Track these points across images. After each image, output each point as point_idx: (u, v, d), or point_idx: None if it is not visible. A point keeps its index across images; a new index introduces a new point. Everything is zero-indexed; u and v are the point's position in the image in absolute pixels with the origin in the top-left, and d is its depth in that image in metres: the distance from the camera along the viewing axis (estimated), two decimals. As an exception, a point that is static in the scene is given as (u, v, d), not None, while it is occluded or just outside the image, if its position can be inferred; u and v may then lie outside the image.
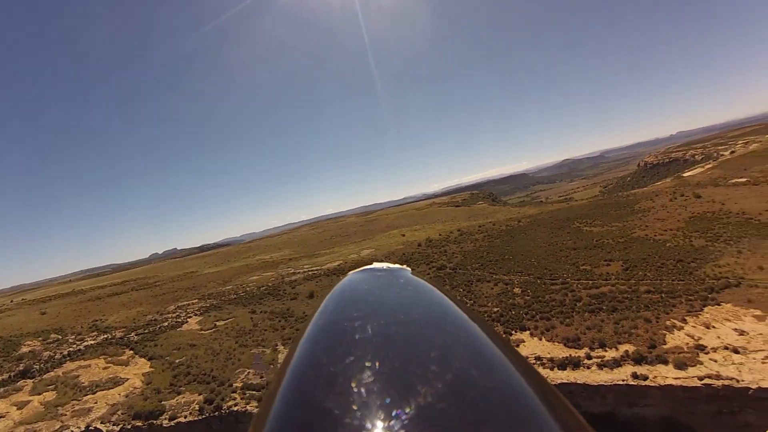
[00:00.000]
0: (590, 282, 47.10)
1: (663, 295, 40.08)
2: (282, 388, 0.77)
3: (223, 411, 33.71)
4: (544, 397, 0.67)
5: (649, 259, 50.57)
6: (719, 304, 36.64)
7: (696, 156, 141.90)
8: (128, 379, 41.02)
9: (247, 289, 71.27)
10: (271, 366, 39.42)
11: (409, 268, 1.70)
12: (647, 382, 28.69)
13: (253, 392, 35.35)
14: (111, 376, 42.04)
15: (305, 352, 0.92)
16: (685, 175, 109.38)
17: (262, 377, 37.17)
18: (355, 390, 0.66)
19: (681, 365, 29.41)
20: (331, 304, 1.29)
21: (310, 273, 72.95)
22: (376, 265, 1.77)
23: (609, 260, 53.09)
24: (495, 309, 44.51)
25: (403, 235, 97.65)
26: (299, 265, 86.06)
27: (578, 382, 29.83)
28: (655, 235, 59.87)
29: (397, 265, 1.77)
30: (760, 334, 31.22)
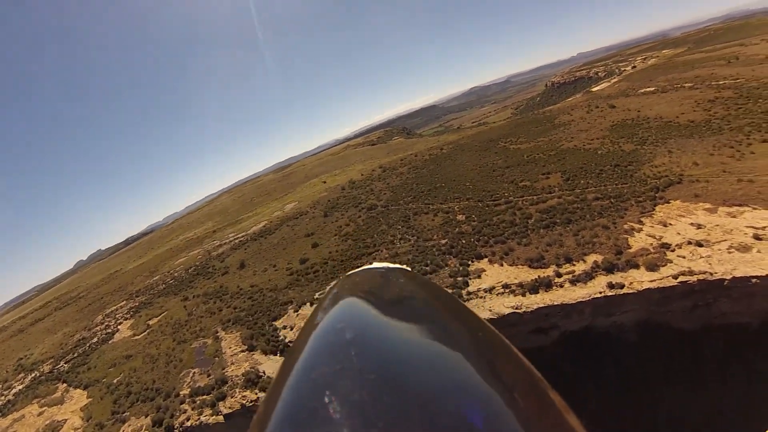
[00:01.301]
0: (535, 197, 46.41)
1: (612, 200, 40.45)
2: (276, 412, 0.84)
3: (176, 431, 29.61)
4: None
5: (586, 167, 51.44)
6: (668, 202, 37.69)
7: (599, 73, 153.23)
8: (66, 419, 36.61)
9: (176, 274, 69.14)
10: (216, 359, 35.59)
11: (408, 268, 1.81)
12: (624, 290, 28.08)
13: (204, 397, 31.43)
14: (48, 422, 37.35)
15: (299, 379, 0.97)
16: (594, 89, 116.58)
17: (209, 375, 33.68)
18: (348, 417, 0.74)
19: (653, 267, 29.21)
20: (327, 320, 1.32)
21: (236, 241, 71.40)
22: (376, 264, 1.90)
23: (547, 173, 53.22)
24: (443, 241, 41.75)
25: (324, 182, 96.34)
26: (224, 235, 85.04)
27: (555, 303, 28.23)
28: (584, 145, 61.63)
29: (396, 265, 1.88)
30: (717, 225, 32.31)
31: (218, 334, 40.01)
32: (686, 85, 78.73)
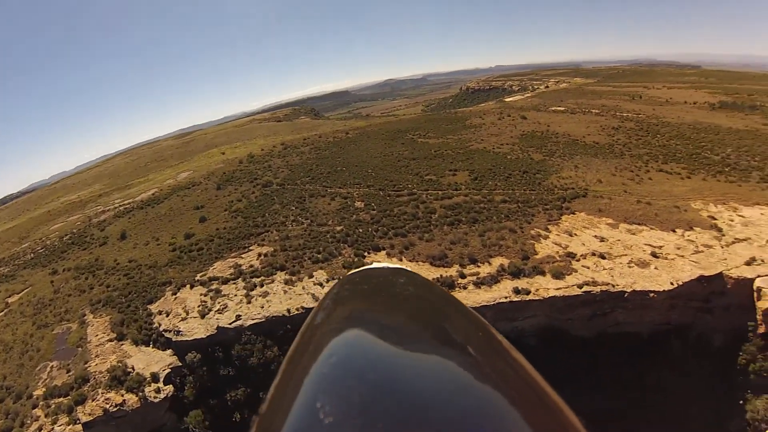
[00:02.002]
0: (440, 192, 45.69)
1: (520, 205, 41.06)
2: (278, 413, 0.90)
3: (24, 445, 25.28)
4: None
5: (494, 169, 52.41)
6: (574, 213, 39.18)
7: (514, 86, 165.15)
8: None
9: (47, 242, 64.51)
10: (79, 349, 31.88)
11: (408, 268, 1.86)
12: (530, 297, 27.65)
13: (61, 400, 27.33)
14: None
15: (300, 381, 0.98)
16: (507, 100, 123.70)
17: (68, 371, 29.88)
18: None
19: (558, 275, 29.38)
20: (327, 321, 1.36)
21: (121, 208, 68.77)
22: (376, 264, 1.96)
23: (454, 170, 53.22)
24: (338, 228, 38.99)
25: (223, 153, 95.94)
26: (110, 200, 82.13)
27: (457, 305, 26.61)
28: (493, 148, 63.45)
29: (396, 265, 1.92)
30: (618, 240, 33.95)
31: (85, 317, 36.50)
32: (593, 110, 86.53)
